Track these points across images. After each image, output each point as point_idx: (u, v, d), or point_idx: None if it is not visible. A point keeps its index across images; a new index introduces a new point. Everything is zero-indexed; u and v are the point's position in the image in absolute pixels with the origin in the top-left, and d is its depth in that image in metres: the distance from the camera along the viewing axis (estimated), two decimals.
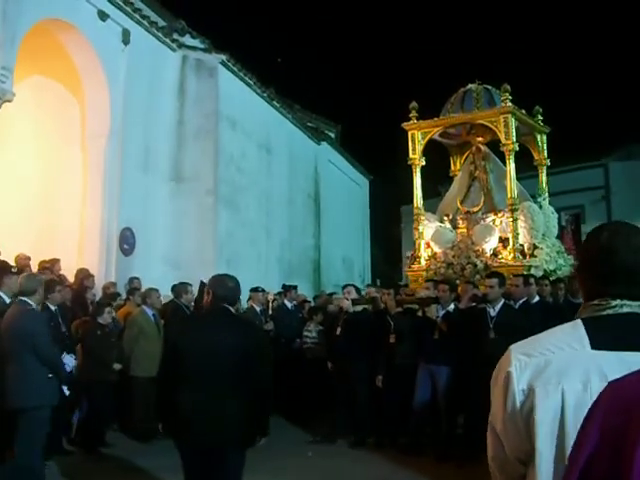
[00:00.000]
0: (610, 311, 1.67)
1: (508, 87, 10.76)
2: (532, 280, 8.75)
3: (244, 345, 4.36)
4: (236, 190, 16.36)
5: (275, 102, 19.00)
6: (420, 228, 11.66)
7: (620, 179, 30.35)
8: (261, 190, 17.81)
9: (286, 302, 12.02)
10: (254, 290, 11.91)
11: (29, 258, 11.13)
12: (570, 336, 1.66)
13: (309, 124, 22.18)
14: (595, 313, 1.69)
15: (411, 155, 11.85)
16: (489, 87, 11.36)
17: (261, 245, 17.50)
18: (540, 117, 12.04)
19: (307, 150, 21.38)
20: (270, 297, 12.57)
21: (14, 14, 10.89)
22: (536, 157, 12.22)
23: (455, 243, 11.07)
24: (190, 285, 10.18)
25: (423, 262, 11.37)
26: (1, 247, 11.07)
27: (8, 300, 7.38)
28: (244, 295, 12.39)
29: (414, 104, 11.67)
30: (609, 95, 36.42)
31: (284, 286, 12.69)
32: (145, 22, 14.43)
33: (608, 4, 35.07)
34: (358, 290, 9.85)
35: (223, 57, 15.98)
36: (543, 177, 12.32)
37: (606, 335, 1.63)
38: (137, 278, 11.48)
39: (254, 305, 11.66)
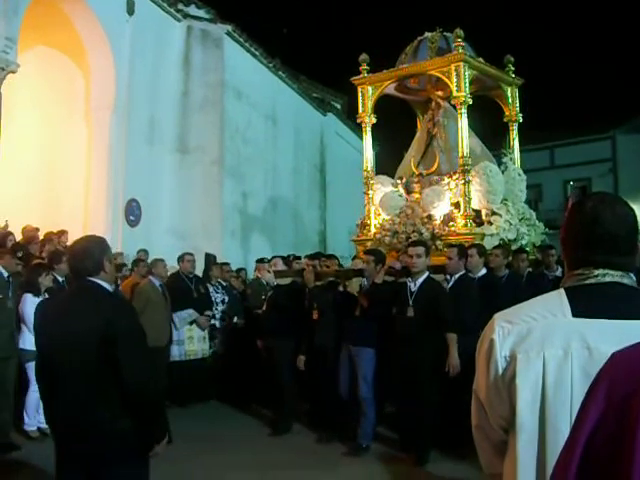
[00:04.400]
0: (592, 280, 1.70)
1: (461, 32, 9.50)
2: (474, 251, 7.58)
3: (102, 331, 3.27)
4: (242, 161, 16.34)
5: (281, 73, 18.90)
6: (370, 193, 10.49)
7: (627, 152, 30.20)
8: (267, 161, 17.78)
9: None
10: (260, 261, 11.93)
11: (37, 229, 11.19)
12: (552, 304, 1.69)
13: (315, 95, 22.07)
14: (578, 282, 1.72)
15: (360, 112, 10.63)
16: (448, 35, 9.96)
17: (267, 216, 17.51)
18: (512, 67, 10.66)
19: (313, 121, 21.30)
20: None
21: None
22: (506, 112, 10.81)
23: (402, 209, 9.92)
24: (189, 254, 10.17)
25: (373, 230, 10.22)
26: (8, 219, 11.15)
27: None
28: (251, 266, 12.45)
29: (365, 56, 10.45)
30: (617, 67, 36.09)
31: (287, 257, 12.69)
32: None
33: None
34: (286, 261, 9.12)
35: (229, 27, 15.87)
36: (514, 135, 10.81)
37: (587, 303, 1.65)
38: (144, 250, 11.53)
39: (260, 276, 11.70)
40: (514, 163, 10.44)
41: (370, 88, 10.47)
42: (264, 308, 8.72)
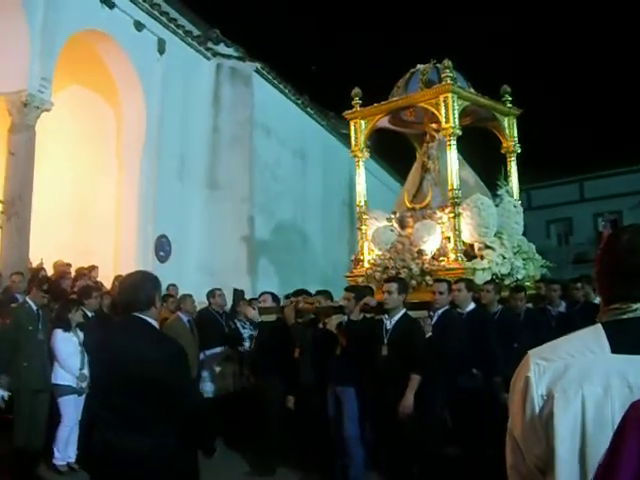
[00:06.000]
0: (631, 314, 1.64)
1: (449, 63, 9.25)
2: (461, 285, 7.24)
3: (150, 366, 3.35)
4: (271, 197, 16.42)
5: (309, 109, 19.05)
6: (363, 228, 10.30)
7: None
8: (296, 197, 17.85)
9: None
10: (288, 297, 11.89)
11: (69, 265, 11.30)
12: (590, 340, 1.63)
13: (343, 131, 22.20)
14: (615, 317, 1.66)
15: (353, 147, 10.47)
16: (440, 66, 9.62)
17: (297, 251, 17.52)
18: (508, 98, 10.35)
19: (341, 157, 21.37)
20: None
21: (53, 26, 11.14)
22: (503, 144, 10.50)
23: (393, 244, 9.65)
24: (219, 290, 10.18)
25: (367, 266, 9.98)
26: (41, 255, 11.28)
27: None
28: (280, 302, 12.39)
29: (357, 90, 10.31)
30: None
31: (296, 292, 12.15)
32: (180, 31, 14.61)
33: None
34: (276, 298, 8.78)
35: (257, 65, 16.09)
36: (512, 167, 10.48)
37: (627, 339, 1.59)
38: (174, 285, 11.57)
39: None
40: (511, 195, 10.15)
41: (363, 122, 10.36)
42: (252, 346, 8.53)
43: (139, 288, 3.61)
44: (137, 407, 3.33)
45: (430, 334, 6.83)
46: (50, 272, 11.02)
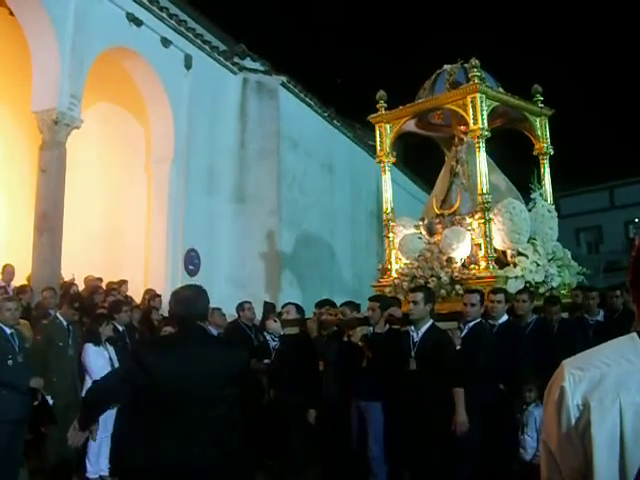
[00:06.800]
0: None
1: (476, 62, 8.90)
2: (501, 296, 6.88)
3: (240, 364, 3.69)
4: (299, 210, 16.44)
5: (336, 122, 19.08)
6: (391, 236, 9.96)
7: None
8: (324, 209, 17.86)
9: None
10: (318, 306, 11.85)
11: (100, 279, 11.40)
12: (626, 349, 1.59)
13: (370, 142, 22.22)
14: None
15: (378, 152, 10.14)
16: (467, 66, 9.28)
17: (325, 264, 17.51)
18: (540, 97, 9.95)
19: (369, 168, 21.37)
20: None
21: (82, 44, 11.31)
22: (536, 145, 10.06)
23: (421, 252, 9.27)
24: (248, 302, 10.15)
25: (394, 275, 9.61)
26: (72, 270, 11.38)
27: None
28: (310, 314, 12.37)
29: (382, 93, 10.00)
30: None
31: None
32: (206, 47, 14.75)
33: None
34: (300, 309, 8.36)
35: (283, 79, 16.17)
36: (545, 169, 10.00)
37: None
38: None
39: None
40: (545, 199, 9.73)
41: (388, 126, 10.09)
42: (272, 359, 8.29)
43: (197, 300, 3.76)
44: (223, 406, 3.48)
45: (459, 347, 6.53)
46: (81, 287, 11.12)
